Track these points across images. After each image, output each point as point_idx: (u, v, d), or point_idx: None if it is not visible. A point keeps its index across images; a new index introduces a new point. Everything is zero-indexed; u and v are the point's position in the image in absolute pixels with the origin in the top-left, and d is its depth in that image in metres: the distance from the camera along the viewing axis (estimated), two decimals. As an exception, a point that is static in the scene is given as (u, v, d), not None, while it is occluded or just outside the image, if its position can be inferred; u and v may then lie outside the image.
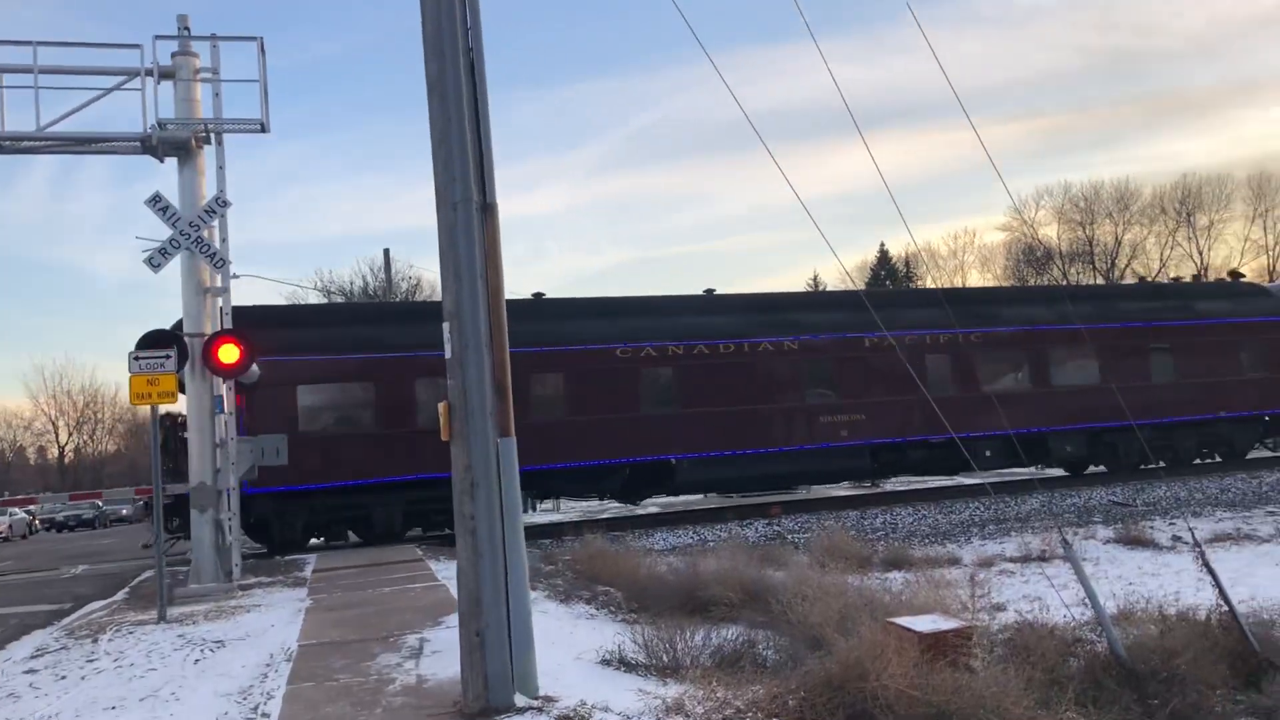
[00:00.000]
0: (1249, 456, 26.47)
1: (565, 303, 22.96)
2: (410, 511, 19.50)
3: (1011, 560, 15.66)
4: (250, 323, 17.17)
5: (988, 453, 22.74)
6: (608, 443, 20.30)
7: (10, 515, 41.99)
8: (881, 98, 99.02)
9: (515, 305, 22.39)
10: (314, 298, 57.66)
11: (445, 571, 14.03)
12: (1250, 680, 7.38)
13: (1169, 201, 65.95)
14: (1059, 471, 25.75)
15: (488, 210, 6.55)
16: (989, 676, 6.24)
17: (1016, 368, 23.99)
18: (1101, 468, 24.88)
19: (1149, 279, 52.56)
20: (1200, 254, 65.98)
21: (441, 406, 6.52)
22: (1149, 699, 7.04)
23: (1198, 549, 7.82)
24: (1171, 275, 56.35)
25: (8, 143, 13.69)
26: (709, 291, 23.82)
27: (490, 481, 6.34)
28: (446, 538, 19.04)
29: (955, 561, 15.71)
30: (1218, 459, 25.93)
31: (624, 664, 7.72)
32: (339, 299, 57.87)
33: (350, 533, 20.36)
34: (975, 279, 70.36)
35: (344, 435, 19.29)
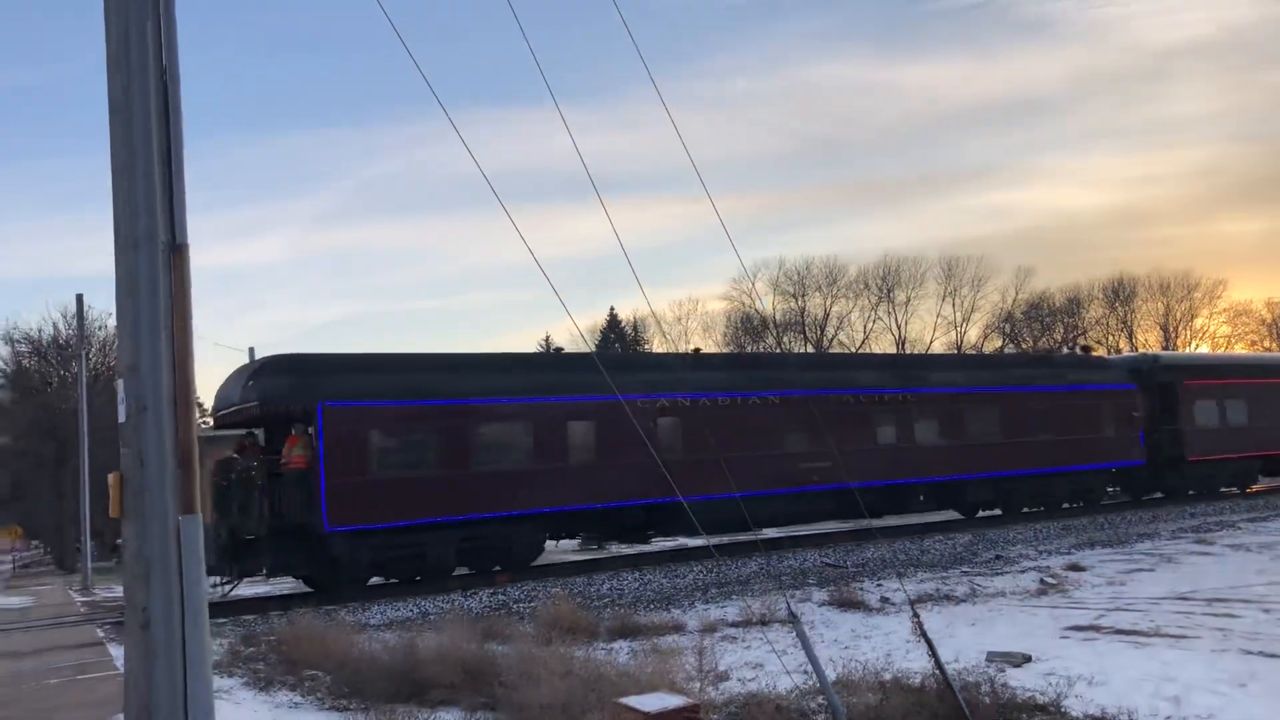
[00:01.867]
0: (1103, 502, 31.38)
1: (583, 356, 24.47)
2: (462, 549, 20.51)
3: (734, 625, 15.73)
4: (320, 370, 19.78)
5: (921, 497, 26.74)
6: (630, 485, 21.60)
7: None
8: (609, 167, 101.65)
9: (541, 358, 27.41)
10: (-7, 346, 52.07)
11: (127, 657, 12.47)
12: (963, 748, 7.49)
13: (872, 278, 71.26)
14: (955, 515, 29.14)
15: (177, 251, 5.72)
16: (721, 764, 5.93)
17: (941, 424, 26.96)
18: (997, 510, 28.78)
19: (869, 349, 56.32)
20: (899, 327, 71.51)
21: (112, 478, 5.58)
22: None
23: (916, 619, 7.96)
24: (873, 347, 60.58)
25: None
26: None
27: (169, 566, 5.45)
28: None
29: (680, 628, 15.60)
30: (1081, 504, 30.09)
31: (329, 766, 6.88)
32: (24, 348, 52.59)
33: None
34: (698, 344, 73.03)
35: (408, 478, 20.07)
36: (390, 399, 19.80)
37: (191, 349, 5.72)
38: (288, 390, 19.38)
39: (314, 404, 18.97)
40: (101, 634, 15.70)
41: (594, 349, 63.13)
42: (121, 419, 5.58)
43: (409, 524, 19.46)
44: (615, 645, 13.70)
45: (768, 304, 70.90)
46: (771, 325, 69.59)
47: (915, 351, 65.62)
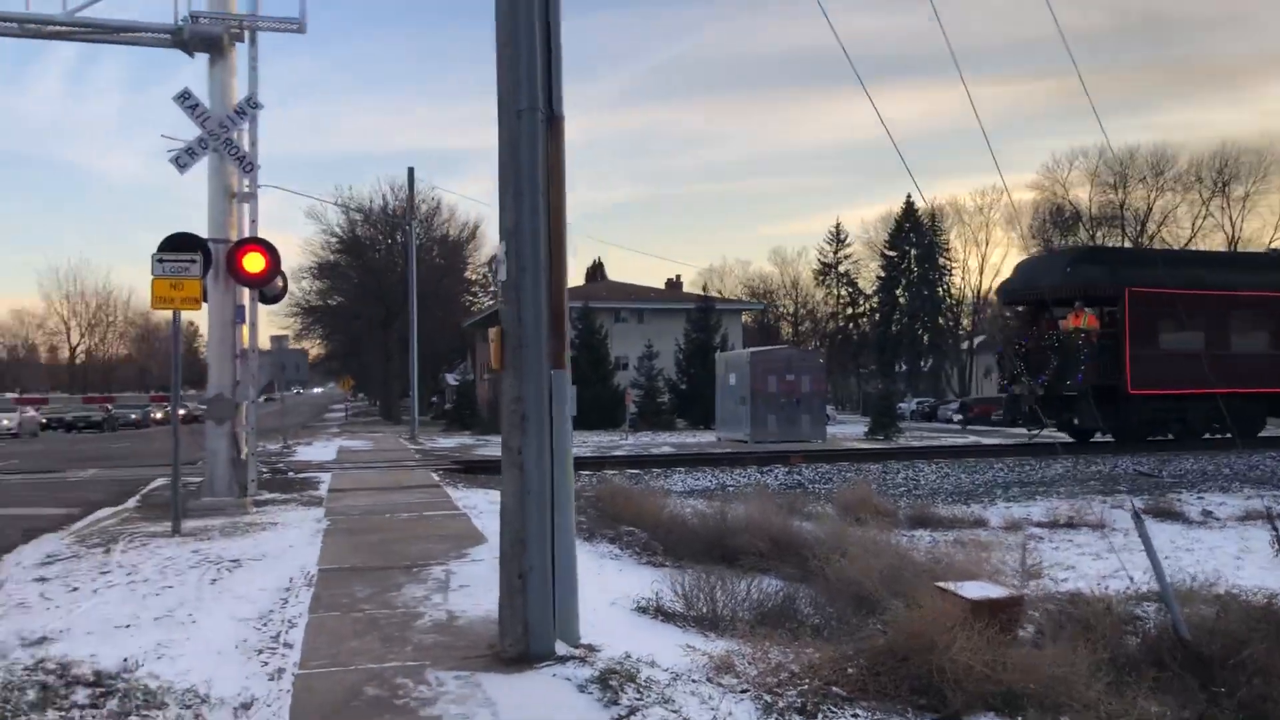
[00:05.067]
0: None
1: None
2: (1215, 416, 24.41)
3: (1039, 525, 15.27)
4: (1127, 262, 26.39)
5: None
6: None
7: (21, 413, 41.78)
8: (906, 46, 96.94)
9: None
10: (333, 213, 57.17)
11: (465, 500, 13.73)
12: (1318, 673, 6.98)
13: (1206, 170, 64.71)
14: None
15: (554, 122, 6.04)
16: (1056, 655, 5.86)
17: None
18: None
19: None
20: (1232, 225, 64.93)
21: (493, 332, 6.08)
22: (1214, 686, 6.65)
23: (1275, 530, 7.40)
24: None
25: (33, 25, 13.11)
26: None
27: (541, 415, 5.91)
28: (483, 466, 19.24)
29: (982, 523, 15.33)
30: None
31: (661, 613, 7.35)
32: (358, 216, 57.30)
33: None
34: (1000, 237, 69.46)
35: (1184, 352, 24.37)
36: (1172, 286, 24.38)
37: (565, 215, 6.07)
38: (1106, 276, 24.49)
39: (1121, 289, 23.92)
40: (437, 478, 17.33)
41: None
42: (502, 278, 6.04)
43: (1181, 392, 23.88)
44: (916, 533, 13.66)
45: (1083, 195, 66.12)
46: (1086, 218, 65.01)
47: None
